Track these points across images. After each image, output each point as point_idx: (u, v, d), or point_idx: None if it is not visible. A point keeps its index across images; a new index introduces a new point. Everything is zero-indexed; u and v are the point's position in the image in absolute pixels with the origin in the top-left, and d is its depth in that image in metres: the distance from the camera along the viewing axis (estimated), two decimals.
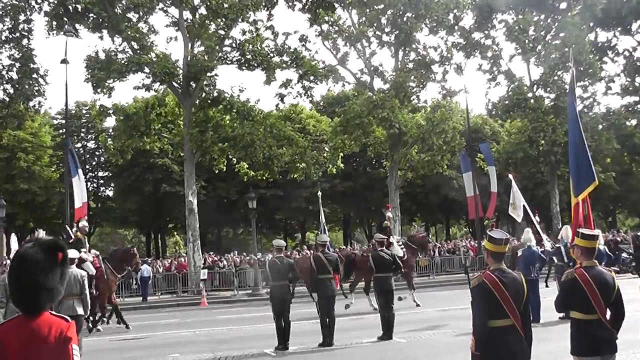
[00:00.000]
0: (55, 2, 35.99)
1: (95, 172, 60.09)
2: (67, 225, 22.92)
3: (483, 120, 58.24)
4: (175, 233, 70.88)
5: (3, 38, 37.43)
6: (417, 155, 39.07)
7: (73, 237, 20.93)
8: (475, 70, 40.30)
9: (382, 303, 15.39)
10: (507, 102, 41.66)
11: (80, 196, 24.79)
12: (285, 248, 18.47)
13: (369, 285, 22.89)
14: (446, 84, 39.92)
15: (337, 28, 38.69)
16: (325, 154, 40.05)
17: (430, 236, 30.14)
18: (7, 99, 37.83)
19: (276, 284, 14.82)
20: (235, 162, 39.23)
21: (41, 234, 19.87)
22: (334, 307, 14.93)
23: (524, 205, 22.11)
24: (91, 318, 20.64)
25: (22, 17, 37.30)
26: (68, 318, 3.94)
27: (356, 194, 56.91)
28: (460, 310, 18.16)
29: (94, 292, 19.62)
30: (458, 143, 38.42)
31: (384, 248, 16.63)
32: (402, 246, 23.99)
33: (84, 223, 21.81)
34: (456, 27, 39.52)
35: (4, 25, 37.35)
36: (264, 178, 39.67)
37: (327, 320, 14.62)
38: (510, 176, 23.94)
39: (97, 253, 22.91)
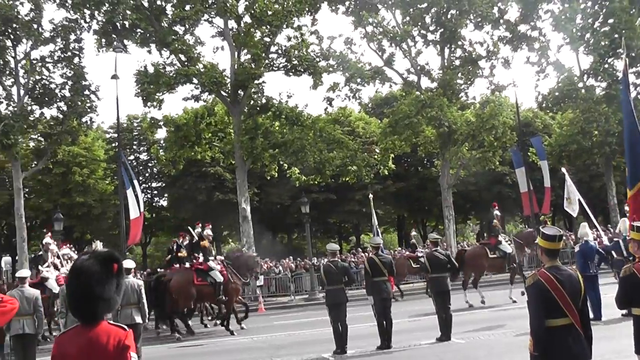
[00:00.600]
0: (104, 20, 36.62)
1: (149, 183, 60.73)
2: (190, 228, 23.31)
3: (533, 113, 57.42)
4: (230, 240, 71.23)
5: (55, 58, 38.26)
6: (468, 153, 38.73)
7: (198, 240, 21.32)
8: (523, 63, 39.63)
9: (439, 304, 15.28)
10: (557, 93, 41.02)
11: (135, 208, 25.08)
12: (340, 252, 18.53)
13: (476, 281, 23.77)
14: (494, 78, 39.46)
15: (381, 29, 38.54)
16: (375, 156, 39.99)
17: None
18: (61, 116, 38.62)
19: (331, 288, 14.84)
20: (286, 167, 39.35)
21: (98, 245, 20.23)
22: (390, 309, 14.88)
23: (579, 199, 21.77)
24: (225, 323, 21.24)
25: (72, 37, 38.08)
26: (125, 327, 4.03)
27: (408, 195, 56.63)
28: (518, 310, 17.97)
29: (223, 297, 19.98)
30: (509, 138, 37.88)
31: (438, 248, 16.48)
32: (510, 242, 24.16)
33: (207, 231, 22.11)
34: (501, 21, 38.84)
35: (56, 46, 38.18)
36: (316, 182, 39.74)
37: (384, 322, 14.59)
38: (564, 170, 23.65)
39: (222, 258, 23.18)
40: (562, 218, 58.52)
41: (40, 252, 21.21)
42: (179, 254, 23.32)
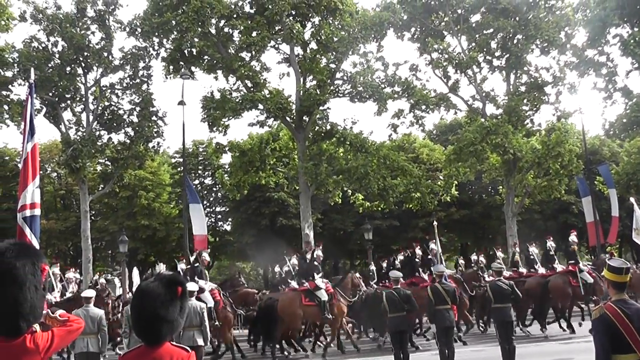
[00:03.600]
0: (172, 47, 37.33)
1: (213, 208, 61.24)
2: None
3: (600, 141, 56.39)
4: None
5: (124, 84, 39.24)
6: (534, 181, 38.12)
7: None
8: (590, 89, 38.83)
9: (502, 334, 15.04)
10: (625, 120, 40.07)
11: (202, 225, 25.37)
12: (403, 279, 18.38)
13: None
14: (560, 105, 38.82)
15: (446, 55, 38.37)
16: (439, 183, 39.73)
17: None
18: (129, 141, 39.43)
19: (394, 316, 14.75)
20: (350, 193, 39.32)
21: (162, 267, 20.46)
22: (452, 337, 14.71)
23: None
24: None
25: (141, 64, 39.03)
26: (188, 348, 4.07)
27: (472, 222, 56.02)
28: (584, 343, 17.54)
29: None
30: (575, 166, 37.12)
31: (502, 278, 16.21)
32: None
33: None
34: (568, 46, 38.25)
35: (125, 73, 39.21)
36: (380, 209, 39.62)
37: (447, 351, 14.42)
38: (632, 200, 23.13)
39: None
40: (630, 249, 57.20)
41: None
42: None
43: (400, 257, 26.24)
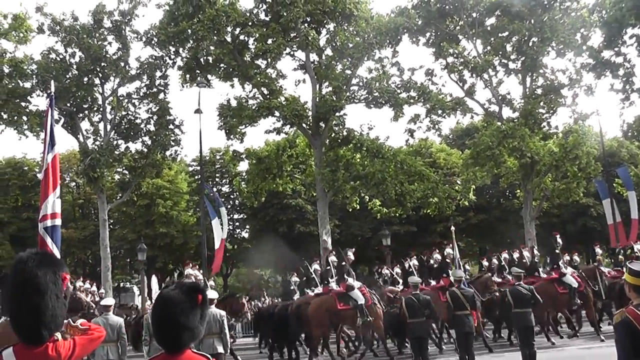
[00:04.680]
0: (188, 56, 37.50)
1: (231, 215, 61.28)
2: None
3: (619, 143, 56.08)
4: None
5: (141, 94, 39.46)
6: (552, 184, 37.92)
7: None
8: (607, 91, 38.42)
9: (522, 339, 14.97)
10: None
11: (219, 236, 25.49)
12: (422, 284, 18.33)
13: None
14: (577, 107, 38.51)
15: (462, 60, 38.27)
16: (457, 187, 39.62)
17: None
18: (146, 150, 39.63)
19: (413, 321, 14.72)
20: (367, 199, 39.30)
21: (192, 272, 20.51)
22: (472, 343, 14.66)
23: None
24: None
25: (158, 74, 39.24)
26: (209, 356, 4.10)
27: (490, 227, 55.86)
28: (605, 348, 17.43)
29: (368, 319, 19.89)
30: (594, 169, 36.82)
31: (522, 282, 16.12)
32: (574, 274, 23.39)
33: (350, 254, 22.00)
34: (584, 47, 37.97)
35: (141, 82, 39.46)
36: (397, 215, 39.59)
37: (467, 357, 14.37)
38: None
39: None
40: None
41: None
42: None
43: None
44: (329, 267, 21.91)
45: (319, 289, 22.14)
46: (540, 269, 24.32)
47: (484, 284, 21.86)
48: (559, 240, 24.26)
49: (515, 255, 25.44)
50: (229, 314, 20.43)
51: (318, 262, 24.41)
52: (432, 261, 25.15)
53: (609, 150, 45.78)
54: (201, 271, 22.98)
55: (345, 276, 20.64)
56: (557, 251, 23.84)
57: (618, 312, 5.78)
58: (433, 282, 23.52)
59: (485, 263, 26.94)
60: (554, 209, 46.29)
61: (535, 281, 21.88)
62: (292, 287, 25.85)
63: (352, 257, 22.33)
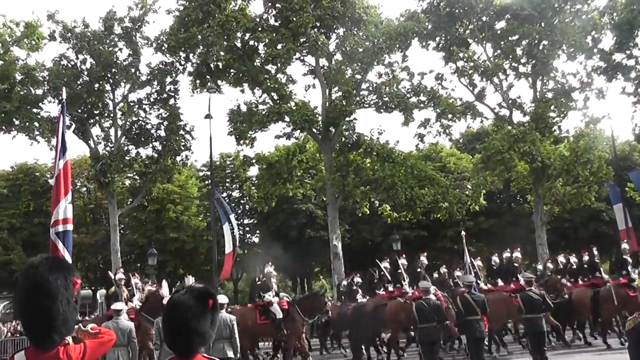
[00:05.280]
0: (198, 62, 37.64)
1: (241, 220, 61.38)
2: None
3: (631, 146, 55.67)
4: (321, 277, 71.39)
5: (151, 100, 39.59)
6: (563, 189, 37.74)
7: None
8: (619, 94, 38.12)
9: (534, 345, 14.91)
10: None
11: (229, 242, 25.52)
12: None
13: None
14: (588, 111, 38.16)
15: (472, 64, 38.18)
16: (467, 192, 39.53)
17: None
18: (156, 155, 39.75)
19: (423, 326, 14.69)
20: (377, 204, 39.30)
21: (191, 280, 20.44)
22: (483, 349, 14.60)
23: None
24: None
25: (168, 79, 39.34)
26: None
27: (501, 232, 55.65)
28: (618, 354, 17.32)
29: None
30: (605, 173, 36.55)
31: (533, 288, 16.01)
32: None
33: (422, 259, 21.95)
34: (595, 50, 37.67)
35: (152, 88, 39.56)
36: (407, 219, 39.57)
37: None
38: None
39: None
40: None
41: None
42: None
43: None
44: (400, 270, 21.79)
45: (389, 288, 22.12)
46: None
47: (554, 286, 21.59)
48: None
49: (505, 254, 25.14)
50: (309, 311, 20.46)
51: (388, 260, 24.34)
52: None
53: (620, 154, 45.44)
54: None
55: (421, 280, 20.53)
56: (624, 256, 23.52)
57: (631, 319, 5.77)
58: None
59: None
60: (565, 213, 46.00)
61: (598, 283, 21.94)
62: (354, 288, 25.85)
63: (425, 261, 22.33)
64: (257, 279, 22.81)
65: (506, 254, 24.86)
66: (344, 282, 27.36)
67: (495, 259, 25.26)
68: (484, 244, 57.90)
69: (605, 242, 51.09)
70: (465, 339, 14.47)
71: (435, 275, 26.44)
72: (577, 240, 54.24)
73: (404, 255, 23.50)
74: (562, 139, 39.46)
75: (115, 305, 14.17)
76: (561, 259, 26.38)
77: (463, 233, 28.26)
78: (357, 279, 26.19)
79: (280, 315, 19.67)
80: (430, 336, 14.51)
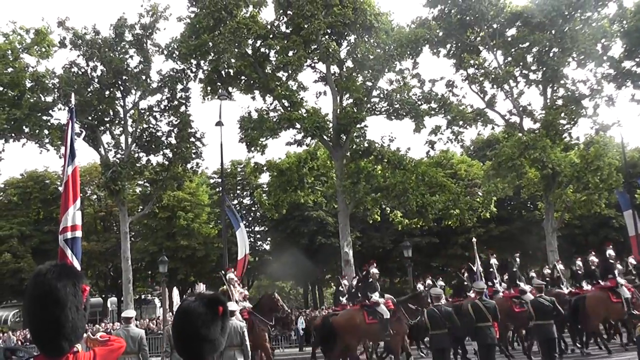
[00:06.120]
0: (209, 69, 37.70)
1: (252, 227, 61.47)
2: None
3: None
4: (332, 284, 71.40)
5: (162, 107, 39.63)
6: (573, 195, 37.57)
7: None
8: (628, 101, 37.98)
9: (544, 352, 14.81)
10: None
11: (242, 248, 25.50)
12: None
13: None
14: (598, 118, 37.92)
15: (482, 71, 38.20)
16: (478, 199, 39.44)
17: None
18: (167, 162, 39.76)
19: (435, 333, 14.61)
20: (388, 211, 39.23)
21: (201, 287, 20.45)
22: (494, 356, 14.50)
23: None
24: None
25: (179, 87, 39.38)
26: None
27: (512, 238, 55.49)
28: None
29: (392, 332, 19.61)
30: (615, 180, 36.36)
31: (543, 294, 15.90)
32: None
33: (231, 275, 21.77)
34: (605, 58, 37.54)
35: (163, 96, 39.62)
36: (418, 226, 39.51)
37: None
38: None
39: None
40: None
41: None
42: None
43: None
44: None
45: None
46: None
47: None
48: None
49: (492, 261, 25.15)
50: (413, 312, 20.27)
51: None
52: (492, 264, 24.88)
53: (630, 161, 45.34)
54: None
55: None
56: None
57: None
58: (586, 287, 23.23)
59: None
60: (575, 220, 45.88)
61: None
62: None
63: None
64: (353, 281, 22.99)
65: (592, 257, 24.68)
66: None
67: (579, 262, 25.12)
68: (494, 251, 57.71)
69: (615, 249, 50.73)
70: (477, 346, 14.35)
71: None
72: (588, 247, 53.95)
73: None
74: (573, 146, 39.32)
75: (126, 313, 14.14)
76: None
77: (474, 240, 28.21)
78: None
79: (387, 315, 19.57)
80: (441, 343, 14.42)
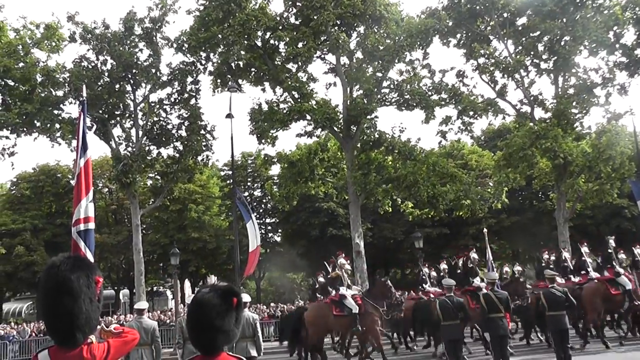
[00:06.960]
0: (219, 61, 37.70)
1: (263, 219, 61.56)
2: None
3: None
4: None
5: (172, 100, 39.68)
6: (585, 185, 37.39)
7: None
8: None
9: (558, 342, 14.76)
10: None
11: (253, 240, 25.52)
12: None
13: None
14: (610, 106, 37.66)
15: (493, 60, 37.98)
16: (489, 189, 39.32)
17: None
18: (178, 155, 39.81)
19: (447, 324, 14.59)
20: (399, 202, 39.19)
21: (213, 279, 20.53)
22: (507, 346, 14.47)
23: None
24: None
25: (189, 79, 39.41)
26: (244, 358, 4.08)
27: (523, 229, 55.36)
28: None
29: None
30: (627, 169, 36.04)
31: (555, 285, 15.81)
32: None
33: (342, 261, 21.81)
34: (617, 45, 37.19)
35: (173, 89, 39.64)
36: (430, 217, 39.44)
37: None
38: None
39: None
40: None
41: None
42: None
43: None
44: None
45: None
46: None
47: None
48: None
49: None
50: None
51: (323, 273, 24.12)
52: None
53: None
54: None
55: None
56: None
57: None
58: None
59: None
60: (587, 210, 45.73)
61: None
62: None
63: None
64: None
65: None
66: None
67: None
68: (506, 242, 57.71)
69: (627, 239, 50.63)
70: (489, 337, 14.32)
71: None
72: (599, 237, 53.76)
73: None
74: (584, 135, 38.99)
75: (139, 305, 14.20)
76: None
77: (485, 230, 28.15)
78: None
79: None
80: (453, 334, 14.40)
